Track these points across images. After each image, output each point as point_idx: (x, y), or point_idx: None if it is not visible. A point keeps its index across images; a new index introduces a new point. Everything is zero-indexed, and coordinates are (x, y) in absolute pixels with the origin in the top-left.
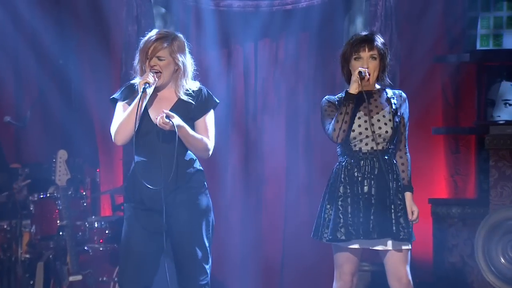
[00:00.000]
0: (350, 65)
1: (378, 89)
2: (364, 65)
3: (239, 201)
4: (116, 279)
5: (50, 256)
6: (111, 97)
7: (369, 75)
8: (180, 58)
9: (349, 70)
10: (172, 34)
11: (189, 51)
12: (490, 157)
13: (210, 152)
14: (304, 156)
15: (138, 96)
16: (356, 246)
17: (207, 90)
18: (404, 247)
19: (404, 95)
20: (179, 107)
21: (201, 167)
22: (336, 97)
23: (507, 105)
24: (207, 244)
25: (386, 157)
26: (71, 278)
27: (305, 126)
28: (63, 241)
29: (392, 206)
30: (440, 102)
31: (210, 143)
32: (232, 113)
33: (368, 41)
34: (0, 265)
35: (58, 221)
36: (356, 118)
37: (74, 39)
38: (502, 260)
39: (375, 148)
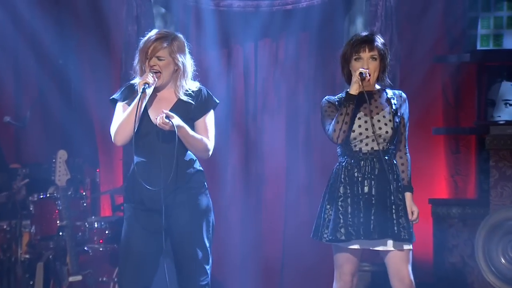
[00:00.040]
0: (350, 65)
1: (378, 90)
2: (365, 65)
3: (239, 201)
4: (116, 279)
5: (50, 257)
6: (111, 98)
7: (370, 75)
8: (180, 58)
9: (349, 71)
10: (172, 34)
11: (189, 51)
12: (491, 157)
13: (210, 153)
14: (304, 156)
15: (138, 97)
16: (356, 246)
17: (207, 90)
18: (405, 247)
19: (404, 95)
20: (179, 108)
21: (201, 168)
22: (336, 97)
23: (508, 105)
24: (207, 245)
25: (386, 158)
26: (71, 279)
27: (305, 126)
28: (63, 241)
29: (393, 207)
30: (441, 102)
31: (210, 143)
32: (232, 113)
33: (368, 41)
34: (0, 266)
35: (58, 222)
36: (356, 118)
37: (74, 39)
38: (503, 261)
39: (375, 148)
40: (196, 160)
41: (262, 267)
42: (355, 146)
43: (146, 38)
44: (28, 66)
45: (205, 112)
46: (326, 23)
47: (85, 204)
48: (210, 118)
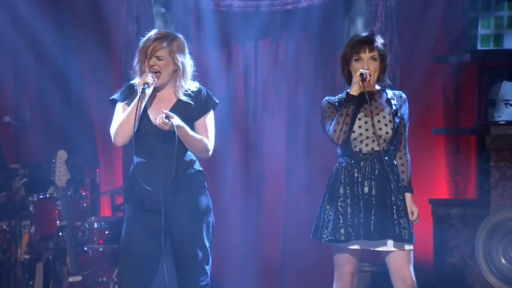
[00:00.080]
0: (350, 66)
1: (378, 90)
2: (365, 66)
3: (239, 201)
4: (115, 279)
5: (50, 257)
6: (111, 98)
7: (370, 76)
8: (180, 58)
9: (349, 71)
10: (171, 34)
11: (188, 52)
12: (491, 157)
13: (210, 153)
14: (304, 156)
15: (137, 97)
16: (356, 247)
17: (206, 91)
18: (406, 248)
19: (404, 95)
20: (179, 108)
21: (201, 168)
22: (336, 98)
23: (508, 105)
24: (207, 245)
25: (386, 158)
26: (70, 279)
27: (305, 126)
28: (63, 241)
29: (394, 207)
30: (441, 103)
31: (210, 143)
32: (232, 113)
33: (368, 42)
34: None
35: (57, 222)
36: (357, 119)
37: (74, 39)
38: (503, 261)
39: (375, 149)
40: (196, 160)
41: (262, 267)
42: (355, 146)
43: (145, 38)
44: (28, 66)
45: (205, 112)
46: (326, 23)
47: (85, 205)
48: (210, 118)
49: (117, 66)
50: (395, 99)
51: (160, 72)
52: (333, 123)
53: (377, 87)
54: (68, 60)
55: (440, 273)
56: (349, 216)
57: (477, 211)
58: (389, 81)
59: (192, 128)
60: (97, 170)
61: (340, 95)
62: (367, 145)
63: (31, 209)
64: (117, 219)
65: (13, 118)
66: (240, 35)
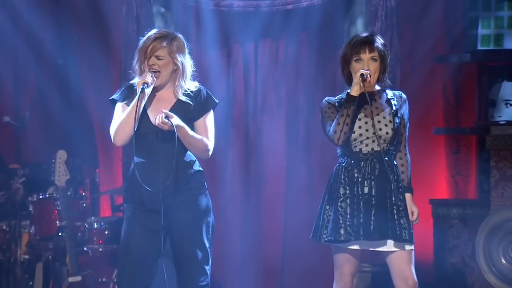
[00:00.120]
0: (350, 66)
1: (378, 90)
2: (365, 67)
3: (239, 201)
4: (115, 280)
5: (50, 257)
6: (110, 98)
7: (370, 76)
8: (179, 58)
9: (349, 72)
10: (171, 34)
11: (188, 52)
12: (491, 157)
13: (210, 153)
14: (304, 156)
15: (137, 96)
16: (355, 247)
17: (206, 90)
18: (407, 248)
19: (404, 96)
20: (178, 108)
21: (200, 168)
22: (336, 98)
23: (508, 105)
24: (207, 245)
25: (386, 158)
26: (70, 279)
27: (305, 126)
28: (63, 242)
29: (394, 207)
30: (441, 103)
31: (210, 143)
32: (232, 113)
33: (368, 42)
34: None
35: (57, 222)
36: (357, 119)
37: (73, 38)
38: (503, 261)
39: (375, 149)
40: (195, 160)
41: (262, 267)
42: (355, 147)
43: (145, 37)
44: (27, 66)
45: (204, 112)
46: (326, 23)
47: (84, 205)
48: (209, 118)
49: (116, 66)
50: (395, 99)
51: (159, 72)
52: (334, 123)
53: (377, 87)
54: (68, 60)
55: (440, 273)
56: (348, 216)
57: (477, 211)
58: (389, 81)
59: (192, 128)
60: (97, 170)
61: (340, 95)
62: (367, 145)
63: (30, 209)
64: (117, 219)
65: (12, 118)
66: (240, 35)
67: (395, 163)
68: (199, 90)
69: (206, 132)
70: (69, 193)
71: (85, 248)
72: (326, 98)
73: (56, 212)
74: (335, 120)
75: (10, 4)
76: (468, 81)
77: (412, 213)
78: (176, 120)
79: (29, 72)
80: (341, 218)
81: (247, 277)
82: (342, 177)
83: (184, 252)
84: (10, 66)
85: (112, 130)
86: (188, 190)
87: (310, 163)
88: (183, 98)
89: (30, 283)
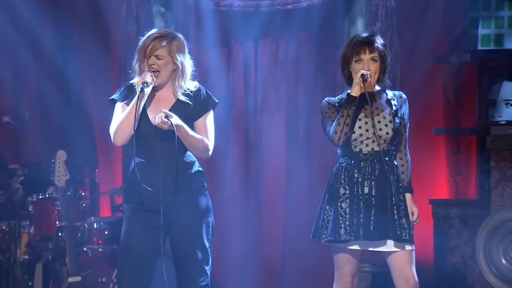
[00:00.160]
0: (350, 67)
1: (378, 91)
2: (365, 67)
3: (239, 201)
4: (115, 280)
5: (49, 257)
6: (110, 98)
7: (371, 77)
8: (179, 57)
9: (349, 72)
10: (171, 33)
11: (188, 52)
12: (491, 157)
13: (210, 153)
14: (304, 156)
15: (136, 96)
16: (356, 247)
17: (206, 90)
18: (408, 248)
19: (404, 96)
20: (178, 108)
21: (200, 168)
22: (336, 98)
23: (508, 105)
24: (207, 245)
25: (386, 158)
26: (70, 279)
27: (305, 126)
28: (62, 242)
29: (394, 207)
30: (441, 103)
31: (210, 143)
32: (232, 113)
33: (368, 43)
34: None
35: (57, 222)
36: (357, 119)
37: (73, 38)
38: (503, 261)
39: (375, 149)
40: (195, 160)
41: (262, 267)
42: (356, 147)
43: (145, 37)
44: (27, 66)
45: (204, 112)
46: (326, 23)
47: (84, 205)
48: (209, 118)
49: (116, 66)
50: (395, 99)
51: (159, 71)
52: (334, 124)
53: (377, 87)
54: (67, 60)
55: (441, 274)
56: (348, 217)
57: (477, 212)
58: (389, 82)
59: (192, 128)
60: (97, 170)
61: (340, 95)
62: (367, 145)
63: (30, 209)
64: (117, 219)
65: (12, 118)
66: (240, 35)
67: (395, 163)
68: (198, 90)
69: (206, 132)
70: (68, 193)
71: (84, 248)
72: (326, 99)
73: (55, 212)
74: (335, 121)
75: (10, 4)
76: (468, 81)
77: (412, 213)
78: (175, 120)
79: (29, 72)
80: (341, 218)
81: (247, 277)
82: (342, 177)
83: (184, 252)
84: (10, 66)
85: (112, 130)
86: (188, 190)
87: (310, 163)
88: (183, 98)
89: (30, 284)
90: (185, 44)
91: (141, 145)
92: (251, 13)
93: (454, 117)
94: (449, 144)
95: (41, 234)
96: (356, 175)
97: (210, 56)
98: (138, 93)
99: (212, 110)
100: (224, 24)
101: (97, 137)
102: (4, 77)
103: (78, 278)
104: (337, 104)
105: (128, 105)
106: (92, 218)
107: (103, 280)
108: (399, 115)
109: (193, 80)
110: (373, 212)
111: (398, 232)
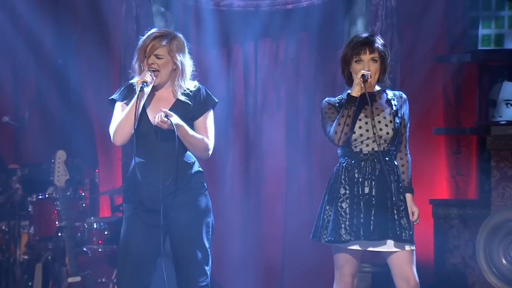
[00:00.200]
0: (350, 67)
1: (379, 91)
2: (365, 67)
3: (239, 201)
4: (115, 280)
5: (49, 257)
6: (110, 98)
7: (371, 77)
8: (179, 57)
9: (349, 72)
10: (171, 33)
11: (188, 51)
12: (492, 157)
13: (210, 152)
14: (304, 156)
15: (136, 95)
16: (356, 247)
17: (205, 90)
18: (408, 248)
19: (404, 96)
20: (178, 108)
21: (200, 168)
22: (336, 99)
23: (509, 105)
24: (207, 246)
25: (387, 159)
26: (70, 279)
27: (305, 126)
28: (62, 242)
29: (394, 208)
30: (441, 103)
31: (210, 143)
32: (232, 113)
33: (368, 43)
34: None
35: (56, 222)
36: (357, 120)
37: (73, 38)
38: (504, 261)
39: (376, 149)
40: (195, 160)
41: (262, 267)
42: (356, 147)
43: (145, 36)
44: (27, 66)
45: (204, 111)
46: (326, 23)
47: (84, 205)
48: (209, 118)
49: (116, 65)
50: (396, 99)
51: (159, 71)
52: (334, 124)
53: (377, 87)
54: (67, 60)
55: (441, 274)
56: (349, 217)
57: (477, 212)
58: (389, 82)
59: (192, 128)
60: (96, 170)
61: (340, 96)
62: (367, 145)
63: (30, 209)
64: (117, 219)
65: (12, 118)
66: (240, 35)
67: (396, 163)
68: (198, 90)
69: (206, 131)
70: (68, 193)
71: (84, 249)
72: (326, 99)
73: (55, 212)
74: (335, 121)
75: (10, 4)
76: (468, 81)
77: (413, 213)
78: (175, 119)
79: (28, 72)
80: (341, 218)
81: (247, 277)
82: (343, 177)
83: (184, 252)
84: (10, 66)
85: (112, 129)
86: (188, 190)
87: (310, 163)
88: (183, 98)
89: (30, 284)
90: (185, 44)
91: (141, 145)
92: (251, 13)
93: (454, 117)
94: (449, 144)
95: (41, 234)
96: (356, 175)
97: (210, 56)
98: (137, 92)
99: (212, 110)
100: (224, 24)
101: (97, 137)
102: (4, 77)
103: (78, 278)
104: (337, 104)
105: (128, 104)
106: (92, 218)
107: (103, 280)
108: (399, 115)
109: (193, 80)
110: (373, 212)
111: (398, 232)
